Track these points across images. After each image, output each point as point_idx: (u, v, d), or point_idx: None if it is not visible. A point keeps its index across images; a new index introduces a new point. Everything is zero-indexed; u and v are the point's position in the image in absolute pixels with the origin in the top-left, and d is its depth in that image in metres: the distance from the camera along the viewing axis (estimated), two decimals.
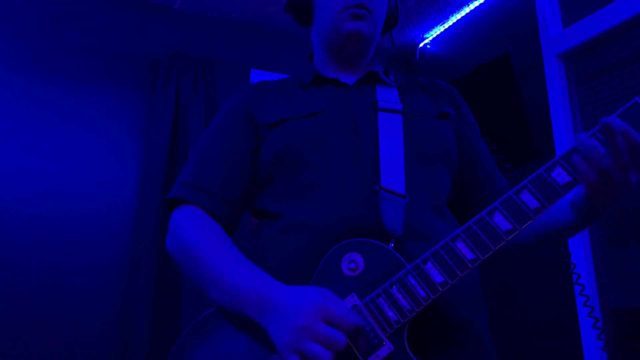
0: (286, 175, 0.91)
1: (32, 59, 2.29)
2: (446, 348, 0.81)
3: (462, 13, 2.72)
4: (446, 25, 2.84)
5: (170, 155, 2.40)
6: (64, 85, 2.33)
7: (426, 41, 2.97)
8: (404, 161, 0.90)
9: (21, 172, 2.16)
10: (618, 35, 2.00)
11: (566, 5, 2.23)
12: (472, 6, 2.66)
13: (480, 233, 0.76)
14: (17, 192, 2.14)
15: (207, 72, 2.57)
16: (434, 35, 2.93)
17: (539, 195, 0.75)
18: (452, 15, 2.77)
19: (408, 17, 2.75)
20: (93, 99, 2.38)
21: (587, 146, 0.72)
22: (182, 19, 2.66)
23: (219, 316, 0.84)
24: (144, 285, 2.20)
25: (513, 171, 1.00)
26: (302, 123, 0.94)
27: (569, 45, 2.14)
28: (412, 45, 3.04)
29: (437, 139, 0.97)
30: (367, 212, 0.84)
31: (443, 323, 0.81)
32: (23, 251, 2.10)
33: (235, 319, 0.82)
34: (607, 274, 1.96)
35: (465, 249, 0.76)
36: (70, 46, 2.38)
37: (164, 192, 2.31)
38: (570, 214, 0.88)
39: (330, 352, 0.69)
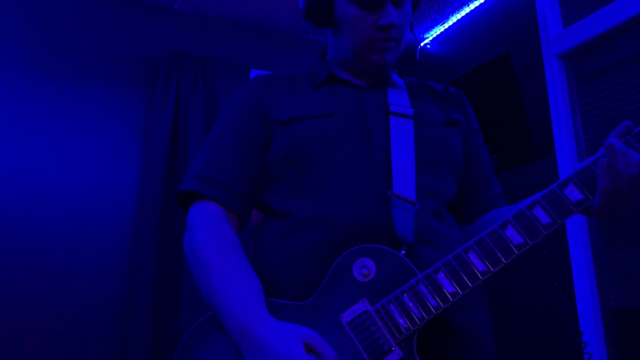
0: (296, 174, 0.91)
1: (32, 59, 2.29)
2: (452, 354, 0.81)
3: (462, 13, 2.72)
4: (446, 25, 2.84)
5: (170, 155, 2.40)
6: (64, 85, 2.33)
7: (426, 41, 2.97)
8: (414, 167, 0.90)
9: (21, 172, 2.17)
10: (618, 35, 2.00)
11: (566, 5, 2.23)
12: (472, 6, 2.66)
13: (492, 245, 0.77)
14: (16, 192, 2.14)
15: (207, 72, 2.57)
16: (434, 35, 2.93)
17: (551, 211, 0.77)
18: (452, 15, 2.76)
19: None
20: (93, 99, 2.38)
21: (614, 153, 0.74)
22: (182, 19, 2.66)
23: None
24: (144, 285, 2.21)
25: (511, 180, 1.00)
26: (314, 123, 0.93)
27: (569, 45, 2.14)
28: (412, 45, 3.04)
29: (447, 147, 0.98)
30: (378, 217, 0.84)
31: (448, 328, 0.82)
32: (23, 251, 2.10)
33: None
34: (607, 274, 1.96)
35: (477, 261, 0.77)
36: (71, 46, 2.38)
37: (164, 192, 2.31)
38: None
39: None
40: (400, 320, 0.76)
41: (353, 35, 0.97)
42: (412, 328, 0.76)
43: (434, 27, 2.89)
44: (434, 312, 0.76)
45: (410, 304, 0.76)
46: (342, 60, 1.04)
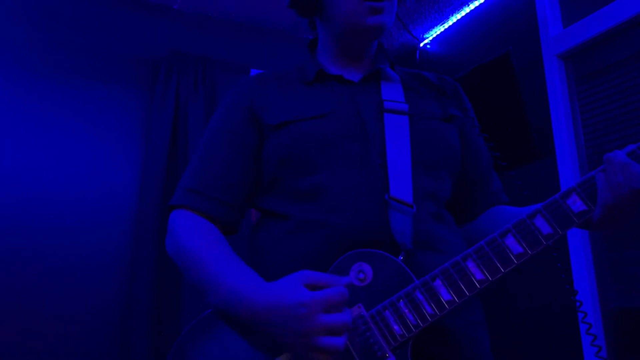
0: (293, 177, 0.90)
1: (32, 58, 2.29)
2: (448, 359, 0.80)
3: (462, 13, 2.72)
4: (446, 25, 2.84)
5: (171, 155, 2.40)
6: (64, 85, 2.33)
7: (426, 41, 2.97)
8: (411, 168, 0.89)
9: (21, 172, 2.17)
10: (618, 35, 2.00)
11: (566, 5, 2.23)
12: (472, 6, 2.65)
13: (491, 254, 0.76)
14: (16, 192, 2.14)
15: (207, 72, 2.57)
16: (434, 35, 2.93)
17: (552, 221, 0.75)
18: (452, 15, 2.76)
19: (408, 17, 2.75)
20: (93, 99, 2.38)
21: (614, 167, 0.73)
22: (182, 19, 2.66)
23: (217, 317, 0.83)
24: (144, 285, 2.21)
25: (510, 170, 0.99)
26: (309, 125, 0.91)
27: (569, 45, 2.13)
28: (412, 45, 3.03)
29: (444, 145, 0.95)
30: (376, 221, 0.83)
31: (444, 332, 0.81)
32: (23, 251, 2.10)
33: (233, 320, 0.82)
34: (607, 274, 1.96)
35: (475, 269, 0.76)
36: (71, 46, 2.38)
37: (164, 192, 2.31)
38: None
39: (342, 337, 0.69)
40: (396, 327, 0.75)
41: (342, 3, 0.93)
42: (407, 335, 0.75)
43: (434, 27, 2.89)
44: (429, 319, 0.75)
45: (406, 311, 0.75)
46: (336, 47, 1.01)
